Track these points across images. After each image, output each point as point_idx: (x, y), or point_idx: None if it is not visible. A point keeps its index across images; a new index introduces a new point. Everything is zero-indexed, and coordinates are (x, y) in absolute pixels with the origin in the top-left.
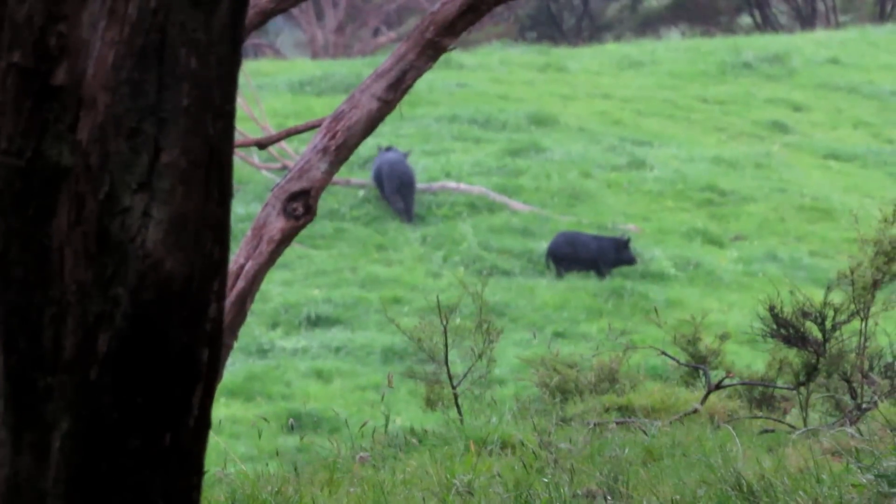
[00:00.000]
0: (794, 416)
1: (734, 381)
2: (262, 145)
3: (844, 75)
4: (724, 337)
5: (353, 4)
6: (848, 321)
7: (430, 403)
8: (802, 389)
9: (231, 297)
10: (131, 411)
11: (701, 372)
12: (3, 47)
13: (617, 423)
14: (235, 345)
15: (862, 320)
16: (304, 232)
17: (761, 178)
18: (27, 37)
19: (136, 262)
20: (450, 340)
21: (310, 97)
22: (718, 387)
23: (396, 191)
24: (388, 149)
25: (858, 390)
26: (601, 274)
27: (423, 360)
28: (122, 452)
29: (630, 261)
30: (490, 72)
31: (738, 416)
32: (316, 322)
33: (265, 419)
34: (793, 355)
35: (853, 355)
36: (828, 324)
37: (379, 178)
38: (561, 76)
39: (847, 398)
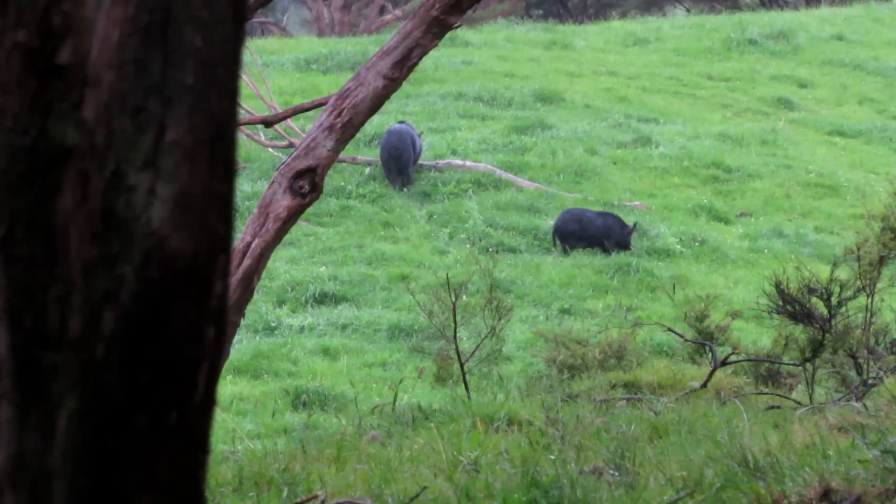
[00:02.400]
0: (799, 392)
1: (740, 358)
2: (268, 123)
3: (849, 52)
4: (735, 314)
5: None
6: (854, 297)
7: (440, 380)
8: (808, 365)
9: (238, 275)
10: (137, 389)
11: (707, 348)
12: (7, 26)
13: (623, 400)
14: (242, 322)
15: (868, 296)
16: (310, 209)
17: (767, 154)
18: (32, 15)
19: (141, 240)
20: (458, 317)
21: (316, 75)
22: (724, 363)
23: (386, 162)
24: (401, 122)
25: (864, 366)
26: (607, 250)
27: (430, 337)
28: (128, 430)
29: (626, 245)
30: (496, 49)
31: (745, 392)
32: (322, 299)
33: (285, 391)
34: (799, 331)
35: (859, 331)
36: (833, 300)
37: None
38: (566, 53)
39: (853, 374)
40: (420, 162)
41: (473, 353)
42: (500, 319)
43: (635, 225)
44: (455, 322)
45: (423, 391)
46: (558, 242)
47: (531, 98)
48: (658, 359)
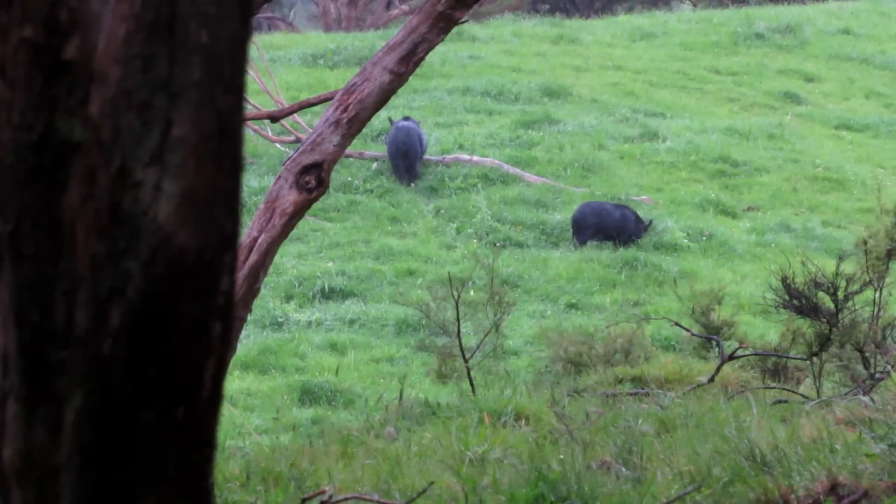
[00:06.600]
0: (807, 387)
1: (747, 352)
2: (275, 118)
3: (856, 46)
4: (720, 299)
5: None
6: (861, 291)
7: (442, 376)
8: (815, 360)
9: (244, 270)
10: (144, 385)
11: (714, 342)
12: (13, 22)
13: (630, 395)
14: (249, 317)
15: (875, 290)
16: (317, 204)
17: (774, 148)
18: (38, 11)
19: (147, 236)
20: (463, 313)
21: (323, 70)
22: (732, 357)
23: (393, 158)
24: (406, 119)
25: (871, 360)
26: (623, 243)
27: (437, 333)
28: (135, 426)
29: (639, 236)
30: (502, 44)
31: (752, 386)
32: (330, 294)
33: (298, 387)
34: (806, 326)
35: (866, 325)
36: (840, 294)
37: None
38: (573, 48)
39: (860, 368)
40: (427, 157)
41: (477, 349)
42: (502, 315)
43: (651, 222)
44: (458, 318)
45: (428, 386)
46: (575, 235)
47: (538, 93)
48: (665, 353)
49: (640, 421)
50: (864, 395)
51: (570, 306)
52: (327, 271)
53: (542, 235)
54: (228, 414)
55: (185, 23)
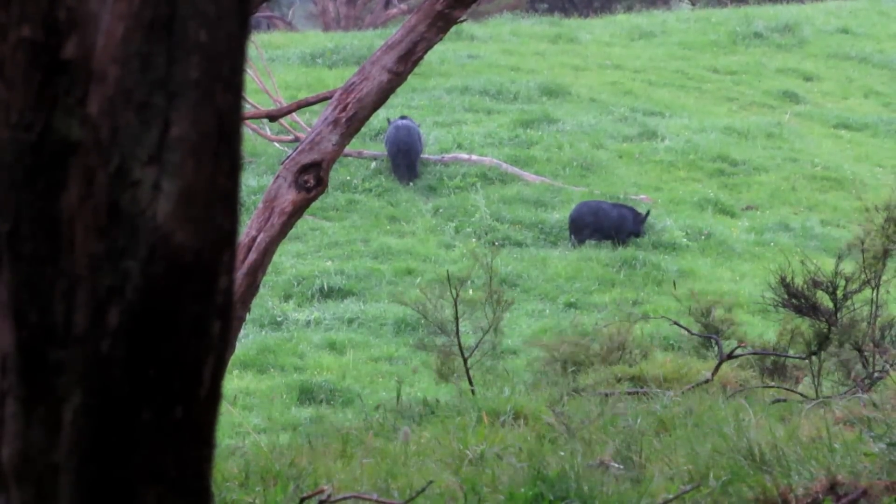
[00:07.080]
0: (806, 386)
1: (746, 351)
2: (273, 117)
3: (855, 45)
4: (730, 307)
5: None
6: (859, 290)
7: (443, 376)
8: (814, 359)
9: (243, 270)
10: (143, 384)
11: (713, 341)
12: (11, 21)
13: (629, 394)
14: (248, 317)
15: (873, 289)
16: (316, 204)
17: (773, 147)
18: (36, 10)
19: (146, 235)
20: (461, 312)
21: (322, 69)
22: (730, 356)
23: (395, 157)
24: (403, 118)
25: (870, 359)
26: (621, 242)
27: (436, 332)
28: (134, 425)
29: (639, 233)
30: (501, 43)
31: (751, 385)
32: (329, 294)
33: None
34: (804, 325)
35: (865, 324)
36: (839, 293)
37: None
38: (572, 47)
39: (859, 367)
40: (426, 156)
41: (476, 348)
42: (500, 313)
43: (648, 213)
44: (457, 317)
45: (427, 386)
46: (573, 234)
47: (537, 92)
48: (664, 352)
49: (638, 420)
50: (862, 394)
51: (569, 305)
52: (326, 270)
53: (541, 234)
54: (227, 413)
55: (183, 22)
